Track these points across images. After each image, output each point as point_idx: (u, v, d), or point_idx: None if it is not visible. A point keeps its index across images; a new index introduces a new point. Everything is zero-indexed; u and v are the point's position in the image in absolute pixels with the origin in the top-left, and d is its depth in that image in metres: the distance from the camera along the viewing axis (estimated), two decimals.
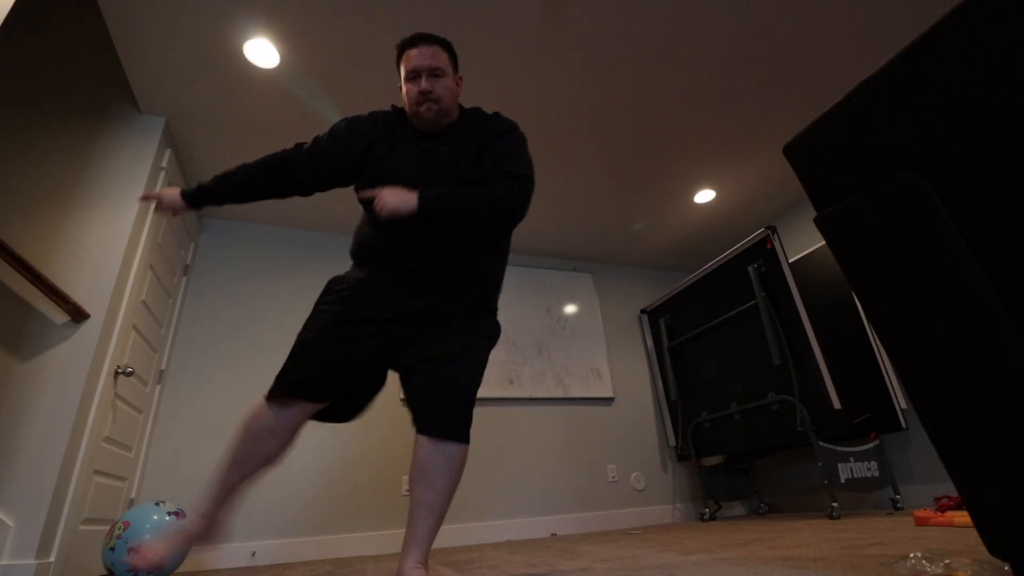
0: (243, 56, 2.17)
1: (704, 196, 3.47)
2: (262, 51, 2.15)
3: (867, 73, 0.71)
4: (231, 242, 3.18)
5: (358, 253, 1.36)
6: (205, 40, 2.09)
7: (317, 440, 2.87)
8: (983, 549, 1.08)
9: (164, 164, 2.41)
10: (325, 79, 2.32)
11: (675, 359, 3.67)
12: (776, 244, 2.91)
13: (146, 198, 1.39)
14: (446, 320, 1.29)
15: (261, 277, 3.15)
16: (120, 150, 2.20)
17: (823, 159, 0.79)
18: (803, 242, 3.53)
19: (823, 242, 3.02)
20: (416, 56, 1.28)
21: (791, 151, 0.83)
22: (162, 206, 1.37)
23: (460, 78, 1.39)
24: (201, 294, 2.99)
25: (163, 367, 2.70)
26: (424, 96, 1.28)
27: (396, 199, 1.17)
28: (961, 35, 0.62)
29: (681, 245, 4.11)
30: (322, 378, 1.23)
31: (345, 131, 1.35)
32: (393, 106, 1.40)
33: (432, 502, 1.18)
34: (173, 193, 1.36)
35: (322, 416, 1.33)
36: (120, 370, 2.08)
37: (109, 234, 2.05)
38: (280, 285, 3.17)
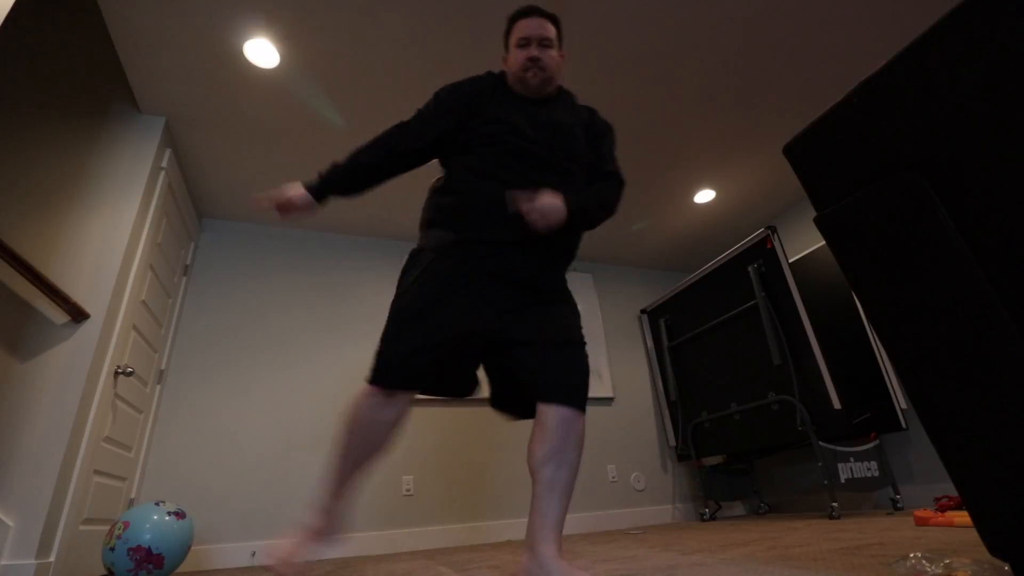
0: (243, 56, 2.17)
1: (704, 196, 3.47)
2: (262, 51, 2.15)
3: (867, 73, 0.71)
4: (231, 242, 3.18)
5: (454, 215, 1.24)
6: (205, 40, 2.09)
7: (317, 440, 2.87)
8: (983, 549, 1.08)
9: (164, 164, 2.41)
10: (325, 79, 2.32)
11: (675, 359, 3.67)
12: (776, 244, 2.91)
13: (269, 202, 1.29)
14: (548, 298, 1.26)
15: (261, 277, 3.15)
16: (120, 150, 2.20)
17: (823, 159, 0.79)
18: (803, 242, 3.53)
19: (823, 242, 3.02)
20: (527, 26, 1.33)
21: (791, 151, 0.83)
22: (293, 206, 1.27)
23: (563, 54, 1.43)
24: (201, 294, 2.99)
25: (163, 367, 2.70)
26: (532, 62, 1.30)
27: (554, 210, 1.15)
28: (961, 35, 0.62)
29: (681, 245, 4.11)
30: (431, 354, 1.15)
31: (448, 96, 1.32)
32: (490, 73, 1.39)
33: (567, 481, 1.14)
34: (298, 191, 1.27)
35: (435, 391, 1.29)
36: (120, 370, 2.08)
37: (109, 234, 2.05)
38: (280, 285, 3.17)
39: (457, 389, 1.32)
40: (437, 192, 1.31)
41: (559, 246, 1.26)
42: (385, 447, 1.21)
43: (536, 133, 1.26)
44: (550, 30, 1.35)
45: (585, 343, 1.29)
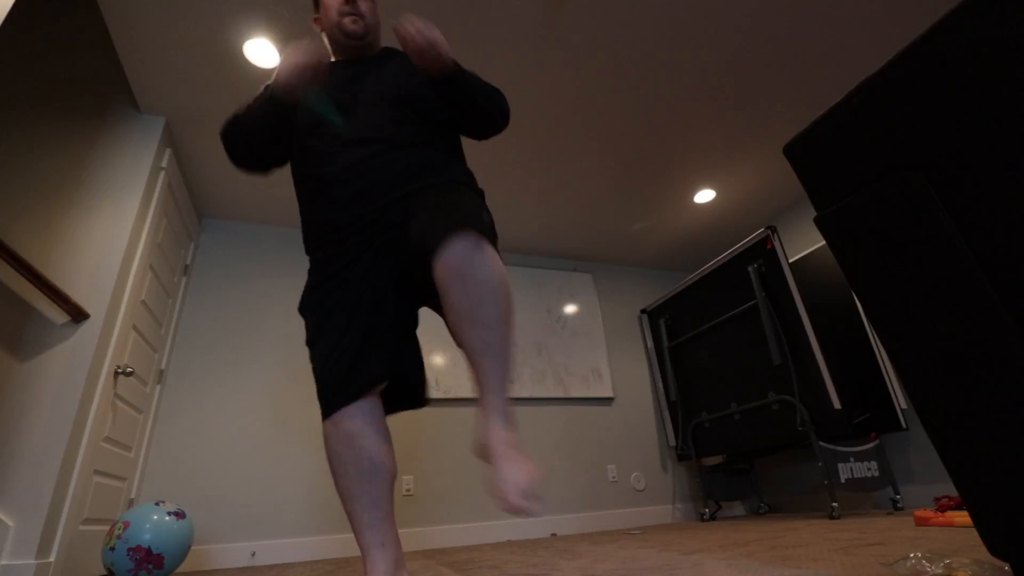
0: (243, 56, 2.17)
1: (704, 196, 3.47)
2: (262, 51, 2.15)
3: (867, 73, 0.71)
4: (231, 242, 3.18)
5: (306, 238, 1.20)
6: (205, 40, 2.09)
7: (317, 440, 2.87)
8: (983, 549, 1.08)
9: (164, 164, 2.41)
10: None
11: (675, 359, 3.67)
12: (776, 244, 2.91)
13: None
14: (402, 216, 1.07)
15: (261, 277, 3.15)
16: (120, 150, 2.20)
17: (823, 159, 0.79)
18: (803, 242, 3.53)
19: (823, 242, 3.02)
20: None
21: (791, 151, 0.83)
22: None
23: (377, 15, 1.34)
24: (201, 294, 2.99)
25: (163, 367, 2.70)
26: (350, 5, 1.21)
27: (432, 30, 1.01)
28: (961, 35, 0.62)
29: (681, 245, 4.11)
30: (349, 361, 1.06)
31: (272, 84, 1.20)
32: None
33: (485, 340, 0.89)
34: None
35: (393, 406, 1.18)
36: (120, 370, 2.08)
37: (109, 234, 2.05)
38: (280, 285, 3.17)
39: (406, 390, 1.18)
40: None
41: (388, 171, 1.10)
42: (382, 462, 1.05)
43: (344, 100, 1.17)
44: None
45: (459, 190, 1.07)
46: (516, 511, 0.80)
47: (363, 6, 1.24)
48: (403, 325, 1.18)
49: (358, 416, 1.07)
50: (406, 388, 1.20)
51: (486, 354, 0.89)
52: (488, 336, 0.89)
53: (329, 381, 1.09)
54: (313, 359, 1.14)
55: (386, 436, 1.10)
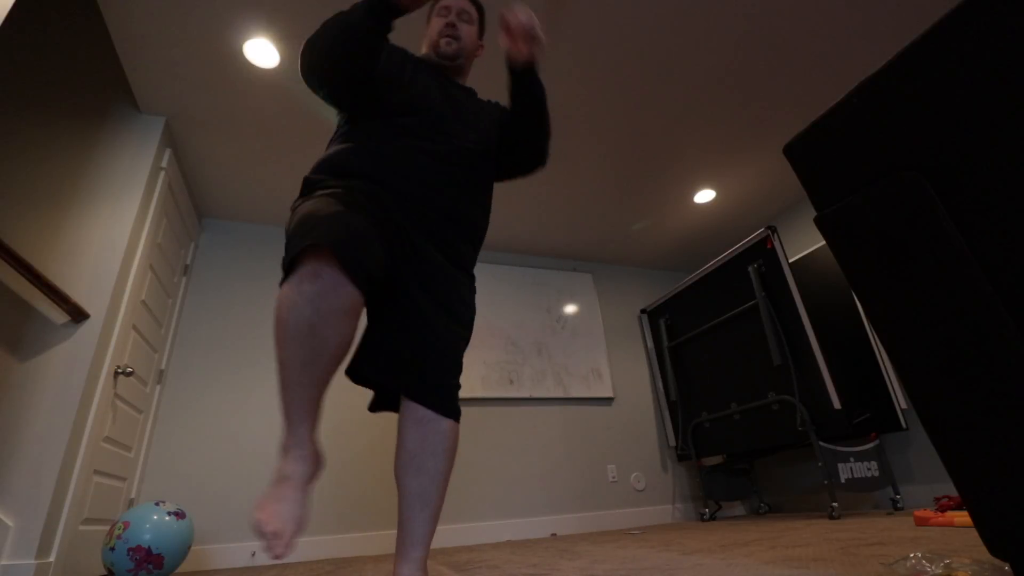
0: (243, 56, 2.17)
1: (704, 196, 3.47)
2: (262, 51, 2.15)
3: (867, 73, 0.71)
4: (231, 242, 3.18)
5: (346, 166, 1.11)
6: (205, 40, 2.09)
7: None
8: (983, 549, 1.08)
9: (164, 164, 2.41)
10: None
11: (675, 359, 3.67)
12: (776, 244, 2.91)
13: None
14: (434, 256, 1.13)
15: (261, 277, 3.15)
16: (120, 150, 2.20)
17: (823, 159, 0.79)
18: (803, 242, 3.53)
19: (823, 242, 3.02)
20: (451, 1, 1.36)
21: (791, 151, 0.83)
22: None
23: (482, 45, 1.45)
24: (201, 294, 2.99)
25: (163, 367, 2.70)
26: (449, 28, 1.31)
27: (533, 19, 1.14)
28: (961, 35, 0.62)
29: (681, 245, 4.11)
30: (365, 232, 0.91)
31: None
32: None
33: (426, 492, 1.03)
34: None
35: (380, 404, 1.16)
36: (120, 370, 2.08)
37: (109, 234, 2.05)
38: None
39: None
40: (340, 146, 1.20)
41: (455, 216, 1.17)
42: (345, 344, 0.89)
43: (440, 103, 1.22)
44: (472, 10, 1.38)
45: (470, 322, 1.20)
46: None
47: (462, 29, 1.34)
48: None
49: (358, 294, 0.88)
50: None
51: (428, 506, 1.03)
52: (436, 489, 1.04)
53: (356, 231, 0.89)
54: (330, 200, 0.96)
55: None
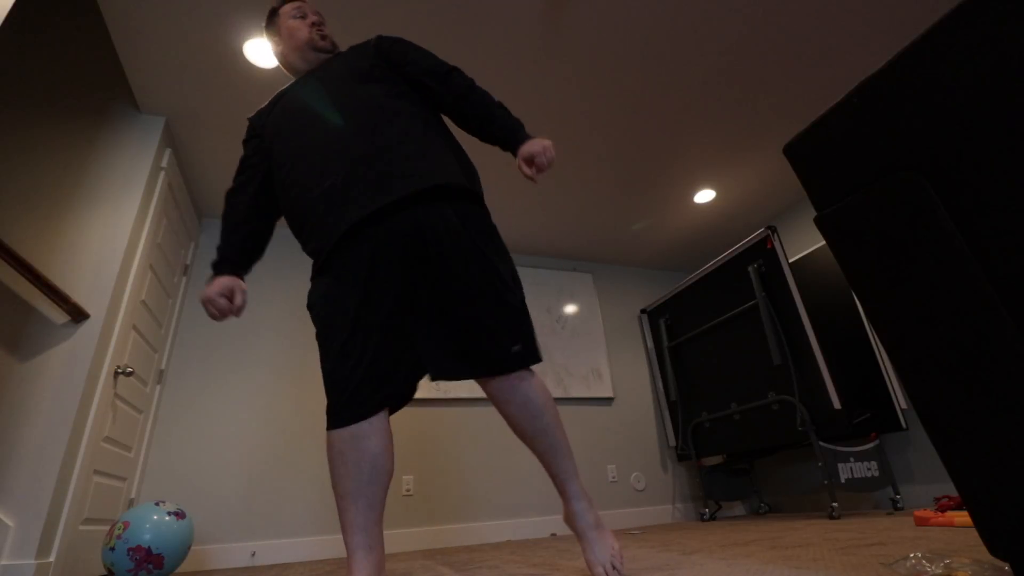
0: (243, 56, 2.17)
1: (704, 196, 3.47)
2: (262, 51, 2.15)
3: (867, 73, 0.71)
4: None
5: (307, 242, 1.18)
6: (205, 40, 2.09)
7: (316, 440, 2.87)
8: (983, 549, 1.08)
9: (164, 164, 2.41)
10: None
11: (675, 359, 3.67)
12: (776, 244, 2.91)
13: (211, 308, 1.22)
14: (420, 237, 1.09)
15: (261, 277, 3.15)
16: (120, 150, 2.20)
17: (823, 159, 0.79)
18: (803, 242, 3.53)
19: (823, 242, 3.02)
20: (296, 5, 1.40)
21: (791, 151, 0.83)
22: (231, 305, 1.22)
23: None
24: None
25: (163, 367, 2.70)
26: (318, 27, 1.36)
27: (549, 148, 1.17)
28: (961, 35, 0.62)
29: (681, 245, 4.11)
30: (371, 377, 1.05)
31: (248, 130, 1.36)
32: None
33: (551, 445, 1.13)
34: (222, 284, 1.22)
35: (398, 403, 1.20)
36: (120, 370, 2.08)
37: (109, 234, 2.05)
38: (280, 286, 3.17)
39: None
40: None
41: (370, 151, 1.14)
42: (384, 462, 1.05)
43: (315, 99, 1.24)
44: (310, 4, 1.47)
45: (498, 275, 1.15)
46: None
47: (327, 30, 1.40)
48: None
49: (367, 421, 1.06)
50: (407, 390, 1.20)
51: (555, 454, 1.14)
52: (550, 441, 1.13)
53: (347, 390, 1.05)
54: (331, 371, 1.08)
55: (390, 436, 1.10)
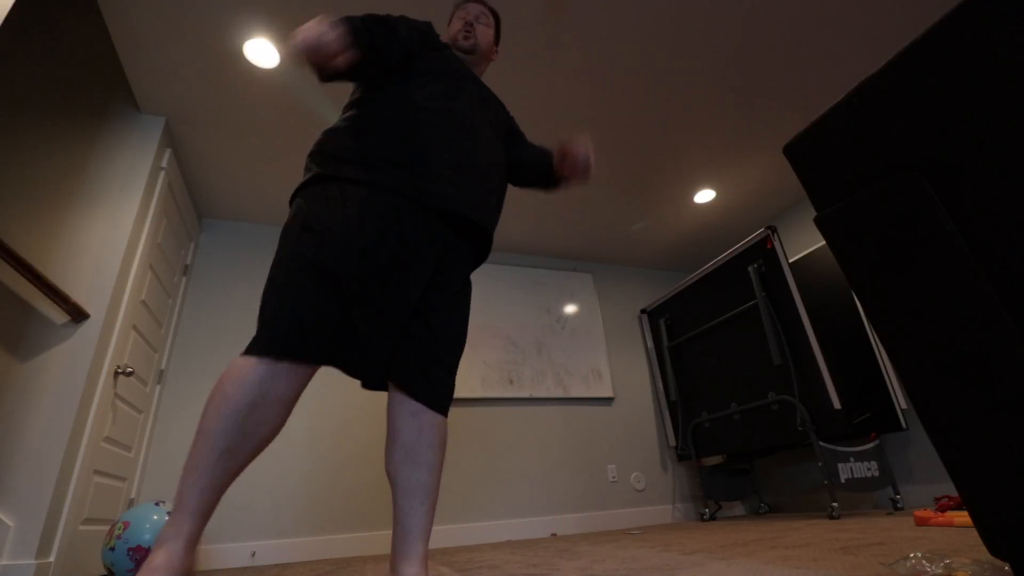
0: (243, 56, 2.17)
1: (704, 196, 3.47)
2: (262, 51, 2.15)
3: (867, 73, 0.71)
4: (231, 242, 3.18)
5: (366, 153, 1.05)
6: (205, 40, 2.09)
7: (316, 439, 2.87)
8: (983, 549, 1.08)
9: (164, 164, 2.41)
10: None
11: (675, 359, 3.67)
12: (776, 244, 2.91)
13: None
14: (459, 260, 1.17)
15: (261, 277, 3.15)
16: (120, 150, 2.20)
17: (823, 159, 0.79)
18: (803, 242, 3.53)
19: (823, 242, 3.02)
20: (471, 6, 1.47)
21: (791, 151, 0.83)
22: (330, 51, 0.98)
23: (496, 50, 1.55)
24: (201, 294, 2.99)
25: (163, 367, 2.70)
26: (467, 27, 1.42)
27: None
28: (961, 35, 0.62)
29: (681, 245, 4.11)
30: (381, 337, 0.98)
31: (412, 23, 1.26)
32: None
33: (424, 484, 1.03)
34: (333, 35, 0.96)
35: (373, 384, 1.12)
36: (120, 370, 2.08)
37: (109, 234, 2.05)
38: None
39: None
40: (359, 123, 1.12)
41: (493, 184, 1.23)
42: (273, 436, 0.90)
43: (472, 92, 1.27)
44: (489, 15, 1.49)
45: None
46: None
47: (479, 30, 1.44)
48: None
49: (304, 382, 0.91)
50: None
51: (428, 499, 1.03)
52: (433, 482, 1.05)
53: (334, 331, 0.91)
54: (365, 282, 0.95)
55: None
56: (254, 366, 0.86)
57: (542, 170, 1.39)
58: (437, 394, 1.10)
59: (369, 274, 0.95)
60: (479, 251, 1.25)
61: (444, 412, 1.12)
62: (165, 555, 0.77)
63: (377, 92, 1.15)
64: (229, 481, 0.85)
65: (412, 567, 0.97)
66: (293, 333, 0.88)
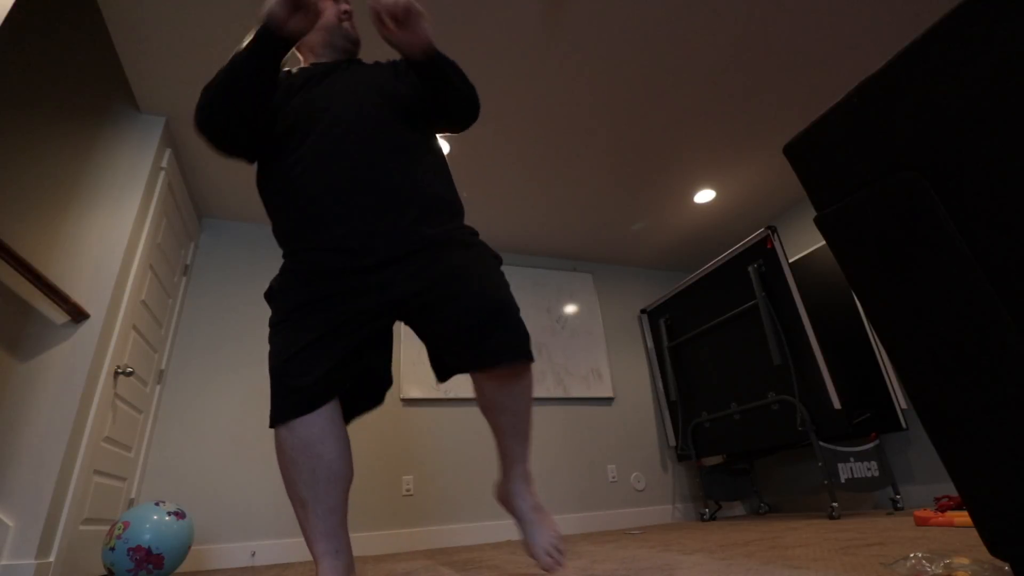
0: None
1: (704, 196, 3.47)
2: None
3: (867, 73, 0.71)
4: (231, 242, 3.18)
5: (285, 242, 1.17)
6: (205, 40, 2.09)
7: None
8: (983, 549, 1.08)
9: (164, 164, 2.41)
10: None
11: (675, 359, 3.67)
12: (776, 244, 2.91)
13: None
14: (412, 254, 1.07)
15: (261, 277, 3.15)
16: (120, 150, 2.20)
17: (823, 159, 0.79)
18: (803, 242, 3.53)
19: (823, 242, 3.02)
20: None
21: (791, 151, 0.83)
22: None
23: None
24: (201, 294, 2.99)
25: (163, 367, 2.70)
26: (348, 14, 1.29)
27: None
28: (961, 35, 0.62)
29: (681, 245, 4.11)
30: (326, 379, 1.03)
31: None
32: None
33: (516, 426, 1.11)
34: None
35: (352, 411, 1.17)
36: (120, 370, 2.08)
37: (109, 234, 2.05)
38: None
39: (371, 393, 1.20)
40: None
41: (394, 195, 1.08)
42: (340, 466, 1.02)
43: (345, 94, 1.16)
44: None
45: (492, 268, 1.10)
46: (547, 568, 1.09)
47: (354, 22, 1.33)
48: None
49: (318, 422, 1.01)
50: (373, 389, 1.19)
51: (517, 436, 1.12)
52: (519, 424, 1.11)
53: (290, 381, 1.02)
54: (284, 362, 1.05)
55: (346, 440, 1.06)
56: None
57: (419, 76, 1.14)
58: (501, 353, 1.01)
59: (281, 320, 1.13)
60: (426, 240, 1.09)
61: (519, 358, 1.02)
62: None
63: (263, 180, 1.20)
64: (320, 519, 1.01)
65: (518, 483, 1.15)
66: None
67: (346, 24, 1.29)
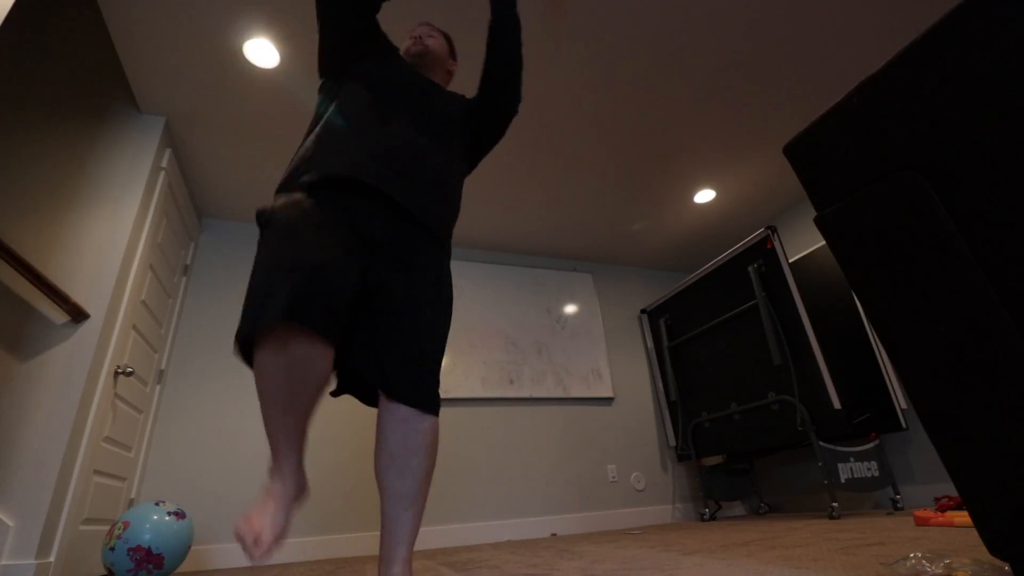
0: (243, 56, 2.17)
1: (704, 196, 3.47)
2: (262, 51, 2.15)
3: (867, 73, 0.71)
4: (231, 242, 3.18)
5: (309, 161, 1.11)
6: (205, 40, 2.09)
7: (316, 440, 2.87)
8: (983, 549, 1.08)
9: (164, 164, 2.41)
10: None
11: (675, 359, 3.67)
12: (776, 244, 2.91)
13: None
14: (410, 246, 1.11)
15: None
16: (120, 150, 2.20)
17: (823, 159, 0.79)
18: (803, 242, 3.53)
19: (823, 242, 3.02)
20: (419, 27, 1.54)
21: (791, 151, 0.83)
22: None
23: (455, 63, 1.58)
24: (201, 294, 2.99)
25: (163, 367, 2.70)
26: (416, 39, 1.48)
27: None
28: (961, 35, 0.62)
29: (681, 245, 4.11)
30: (327, 280, 0.92)
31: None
32: None
33: (410, 492, 1.02)
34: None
35: (363, 397, 1.16)
36: (120, 370, 2.08)
37: (109, 234, 2.05)
38: None
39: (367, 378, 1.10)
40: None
41: (434, 183, 1.18)
42: (320, 384, 0.94)
43: (412, 86, 1.31)
44: (435, 30, 1.55)
45: (446, 322, 1.17)
46: None
47: (428, 41, 1.49)
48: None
49: (329, 352, 0.93)
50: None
51: (412, 505, 1.03)
52: (414, 486, 1.04)
53: (312, 285, 0.89)
54: (285, 253, 0.93)
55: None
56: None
57: (494, 35, 1.40)
58: (421, 395, 1.06)
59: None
60: (430, 234, 1.15)
61: (433, 411, 1.07)
62: (277, 482, 0.93)
63: (318, 116, 1.26)
64: (304, 420, 0.95)
65: (397, 569, 1.01)
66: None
67: (411, 43, 1.49)
